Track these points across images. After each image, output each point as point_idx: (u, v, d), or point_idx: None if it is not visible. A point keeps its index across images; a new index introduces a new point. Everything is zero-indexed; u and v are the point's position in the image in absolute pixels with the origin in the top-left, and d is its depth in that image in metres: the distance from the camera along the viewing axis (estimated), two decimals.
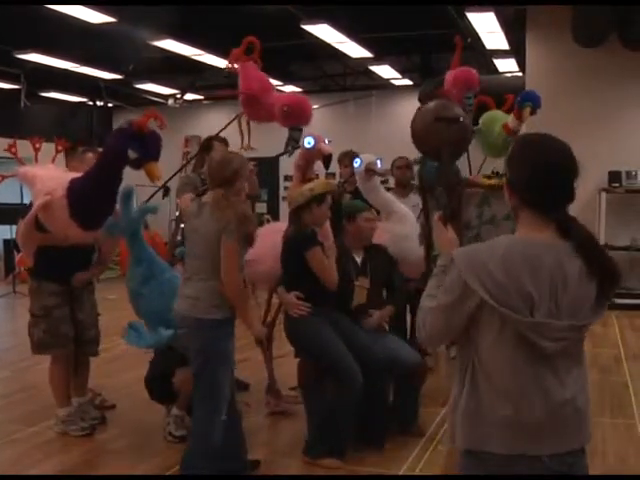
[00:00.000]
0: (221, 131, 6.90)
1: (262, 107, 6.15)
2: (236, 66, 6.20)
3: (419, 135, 6.32)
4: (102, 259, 6.43)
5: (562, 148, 2.74)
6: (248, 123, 6.49)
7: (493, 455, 2.64)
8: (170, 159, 6.34)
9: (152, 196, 7.04)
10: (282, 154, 6.71)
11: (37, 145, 6.25)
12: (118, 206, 5.57)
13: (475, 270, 2.57)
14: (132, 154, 4.98)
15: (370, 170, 6.69)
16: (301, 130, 6.14)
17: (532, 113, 7.01)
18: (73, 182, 5.37)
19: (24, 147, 6.14)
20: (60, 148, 6.41)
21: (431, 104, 6.37)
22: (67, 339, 6.20)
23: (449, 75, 7.24)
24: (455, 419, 2.74)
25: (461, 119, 6.13)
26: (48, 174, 5.75)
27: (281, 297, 5.97)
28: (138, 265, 5.67)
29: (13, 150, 6.05)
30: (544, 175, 2.66)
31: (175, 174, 6.56)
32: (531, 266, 2.56)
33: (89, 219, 5.38)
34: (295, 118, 6.05)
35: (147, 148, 5.03)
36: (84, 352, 6.42)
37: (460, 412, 2.71)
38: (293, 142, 6.15)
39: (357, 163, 6.81)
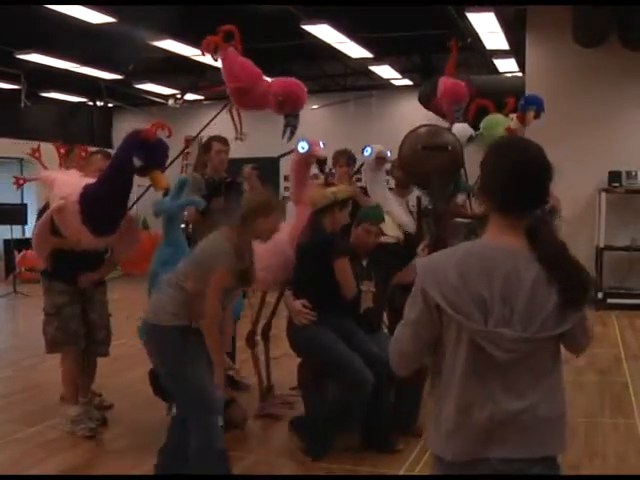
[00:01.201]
0: (207, 125, 6.88)
1: (253, 96, 6.11)
2: (215, 54, 6.14)
3: (407, 162, 6.30)
4: (113, 259, 6.47)
5: (532, 152, 2.68)
6: (239, 112, 6.46)
7: (446, 460, 2.64)
8: (170, 160, 6.34)
9: (143, 194, 7.01)
10: (282, 155, 6.70)
11: (62, 150, 6.30)
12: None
13: (433, 276, 2.57)
14: (137, 162, 5.05)
15: (381, 158, 6.67)
16: (297, 116, 6.12)
17: (536, 117, 7.03)
18: (86, 188, 5.45)
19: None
20: (84, 154, 6.45)
21: (421, 130, 6.36)
22: (77, 336, 6.24)
23: (441, 83, 7.26)
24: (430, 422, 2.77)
25: (449, 147, 6.11)
26: (66, 179, 5.83)
27: (287, 303, 5.93)
28: (166, 247, 5.91)
29: (37, 155, 6.09)
30: (511, 178, 2.63)
31: (170, 162, 6.56)
32: (485, 270, 2.54)
33: (100, 225, 5.43)
34: (290, 106, 6.02)
35: (152, 157, 5.10)
36: (95, 352, 6.46)
37: (430, 417, 2.75)
38: (291, 128, 6.13)
39: (367, 152, 6.78)
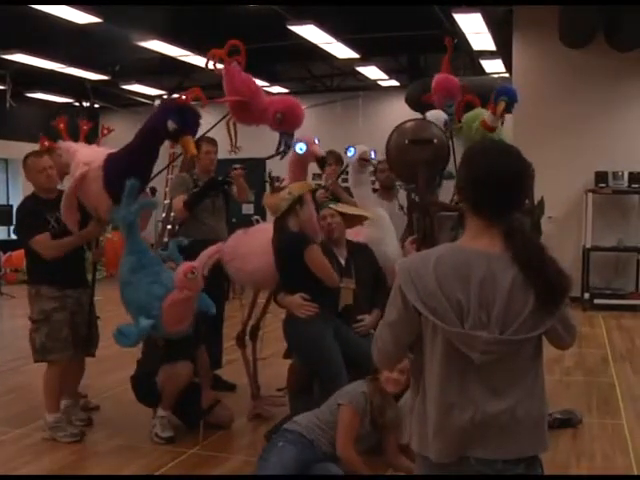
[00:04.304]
0: (208, 132, 6.88)
1: (252, 111, 6.12)
2: (220, 66, 6.17)
3: (393, 157, 6.30)
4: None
5: (504, 157, 2.68)
6: (235, 124, 6.47)
7: (429, 460, 2.65)
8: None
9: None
10: (272, 156, 6.68)
11: (85, 127, 6.31)
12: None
13: (411, 278, 2.58)
14: (171, 125, 5.15)
15: (364, 160, 6.66)
16: (293, 135, 6.14)
17: (507, 108, 6.94)
18: (111, 154, 5.52)
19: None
20: (105, 132, 6.43)
21: (407, 124, 6.36)
22: (67, 343, 6.17)
23: (435, 78, 7.24)
24: (411, 421, 2.77)
25: (435, 140, 6.10)
26: (91, 149, 5.90)
27: (285, 301, 5.89)
28: (130, 255, 5.68)
29: (61, 125, 6.16)
30: (485, 182, 2.63)
31: (158, 174, 6.52)
32: (461, 274, 2.55)
33: (121, 191, 5.41)
34: (288, 124, 6.04)
35: (188, 121, 5.24)
36: (87, 352, 6.46)
37: (413, 416, 2.74)
38: (285, 147, 6.14)
39: (350, 153, 6.77)
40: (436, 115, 6.94)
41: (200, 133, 6.93)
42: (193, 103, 5.49)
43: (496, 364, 2.56)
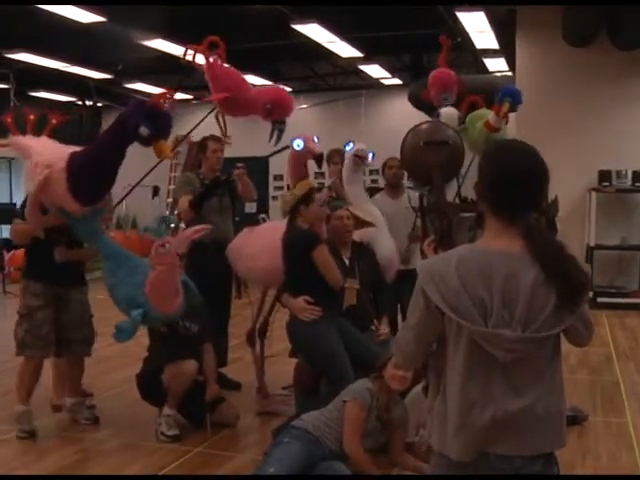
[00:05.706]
0: (196, 127, 6.86)
1: (240, 104, 6.11)
2: (198, 61, 6.12)
3: (408, 159, 6.30)
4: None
5: (520, 157, 2.71)
6: (223, 117, 6.44)
7: (450, 459, 2.66)
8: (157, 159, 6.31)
9: (128, 193, 6.86)
10: (271, 154, 6.68)
11: (31, 117, 6.18)
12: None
13: (433, 279, 2.59)
14: (144, 131, 5.05)
15: (358, 157, 6.65)
16: (284, 121, 6.14)
17: (512, 109, 6.92)
18: (74, 155, 5.40)
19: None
20: (54, 121, 6.28)
21: (422, 126, 6.36)
22: (47, 341, 6.17)
23: (431, 74, 7.25)
24: (431, 421, 2.78)
25: (450, 142, 6.11)
26: (43, 145, 5.74)
27: (288, 303, 5.89)
28: (106, 260, 5.75)
29: (9, 120, 6.01)
30: (503, 182, 2.66)
31: (150, 171, 6.48)
32: (483, 273, 2.56)
33: (86, 194, 5.38)
34: (278, 113, 6.03)
35: (161, 126, 5.13)
36: (74, 353, 6.40)
37: (433, 415, 2.75)
38: (278, 132, 6.14)
39: (349, 146, 6.76)
40: (450, 113, 6.91)
41: (189, 128, 6.90)
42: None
43: (519, 362, 2.58)
